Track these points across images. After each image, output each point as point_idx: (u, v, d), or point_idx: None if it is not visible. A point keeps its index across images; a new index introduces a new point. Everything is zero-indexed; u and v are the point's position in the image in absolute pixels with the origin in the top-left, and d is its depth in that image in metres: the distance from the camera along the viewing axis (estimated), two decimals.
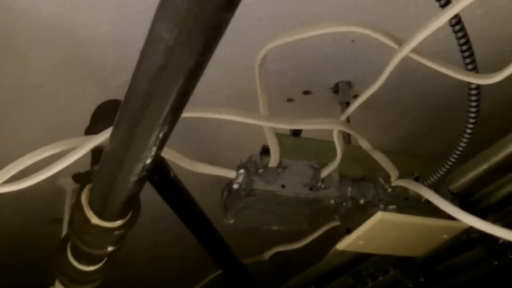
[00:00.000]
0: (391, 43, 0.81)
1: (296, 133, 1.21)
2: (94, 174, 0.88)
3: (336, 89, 1.39)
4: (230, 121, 1.47)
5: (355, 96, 1.39)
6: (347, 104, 1.35)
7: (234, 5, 0.53)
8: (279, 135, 1.15)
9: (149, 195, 1.33)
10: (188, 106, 0.84)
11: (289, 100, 1.46)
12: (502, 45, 1.26)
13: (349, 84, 1.37)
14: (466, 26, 0.80)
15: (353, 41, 1.25)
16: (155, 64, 0.60)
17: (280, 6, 1.16)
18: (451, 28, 0.79)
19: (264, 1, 1.14)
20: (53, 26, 1.18)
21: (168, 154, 0.98)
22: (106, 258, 1.07)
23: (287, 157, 1.13)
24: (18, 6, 1.13)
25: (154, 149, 0.72)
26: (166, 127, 0.69)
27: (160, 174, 1.23)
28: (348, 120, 1.33)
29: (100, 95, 1.30)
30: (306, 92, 1.43)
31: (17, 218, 1.97)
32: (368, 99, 1.48)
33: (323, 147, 1.18)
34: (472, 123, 0.92)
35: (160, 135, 0.70)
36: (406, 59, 1.33)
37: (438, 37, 1.19)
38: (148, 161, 0.74)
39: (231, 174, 1.08)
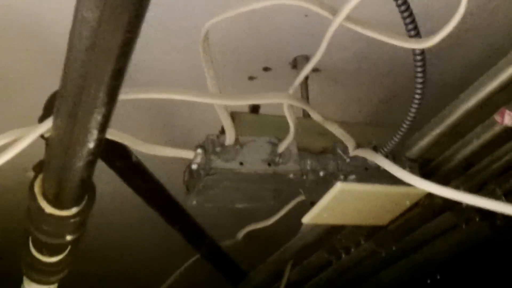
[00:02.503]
0: (324, 13, 0.81)
1: (255, 110, 1.21)
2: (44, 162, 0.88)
3: (294, 64, 1.39)
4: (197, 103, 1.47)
5: (315, 70, 1.40)
6: (306, 78, 1.35)
7: None
8: (237, 113, 1.15)
9: (119, 181, 1.34)
10: (134, 88, 0.84)
11: (250, 78, 1.45)
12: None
13: (306, 58, 1.37)
14: None
15: (306, 15, 1.25)
16: (83, 46, 0.59)
17: None
18: None
19: None
20: (18, 15, 1.17)
21: (120, 138, 0.98)
22: (69, 248, 1.07)
23: (248, 135, 1.13)
24: None
25: (95, 132, 0.72)
26: (104, 109, 0.68)
27: (122, 160, 1.23)
28: (307, 94, 1.33)
29: None
30: (266, 69, 1.43)
31: None
32: (329, 73, 1.50)
33: (283, 122, 1.18)
34: (420, 89, 0.92)
35: (99, 118, 0.69)
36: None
37: (385, 8, 1.20)
38: (92, 145, 0.74)
39: (190, 154, 1.08)
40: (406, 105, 1.59)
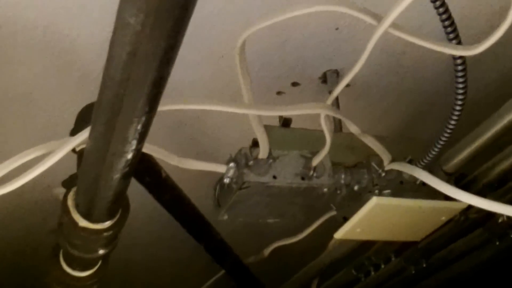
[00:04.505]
0: (369, 20, 0.79)
1: (286, 123, 1.19)
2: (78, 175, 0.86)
3: (324, 78, 1.37)
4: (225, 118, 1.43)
5: (347, 86, 1.38)
6: None
7: None
8: (268, 127, 1.13)
9: (145, 197, 1.32)
10: (168, 99, 0.83)
11: (278, 93, 1.44)
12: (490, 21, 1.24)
13: (336, 72, 1.35)
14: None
15: (336, 28, 1.23)
16: (124, 51, 0.58)
17: None
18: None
19: None
20: (38, 33, 1.16)
21: (153, 151, 0.96)
22: (100, 262, 1.05)
23: (279, 149, 1.11)
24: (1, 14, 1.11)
25: (134, 142, 0.70)
26: (144, 118, 0.66)
27: (151, 175, 1.21)
28: (338, 107, 1.32)
29: (90, 99, 1.28)
30: (294, 84, 1.41)
31: (20, 231, 1.95)
32: (358, 88, 1.48)
33: (314, 137, 1.16)
34: (460, 99, 0.90)
35: (139, 127, 0.68)
36: (391, 45, 1.31)
37: (424, 19, 1.18)
38: (130, 155, 0.72)
39: (221, 168, 1.06)
40: (433, 120, 1.58)
